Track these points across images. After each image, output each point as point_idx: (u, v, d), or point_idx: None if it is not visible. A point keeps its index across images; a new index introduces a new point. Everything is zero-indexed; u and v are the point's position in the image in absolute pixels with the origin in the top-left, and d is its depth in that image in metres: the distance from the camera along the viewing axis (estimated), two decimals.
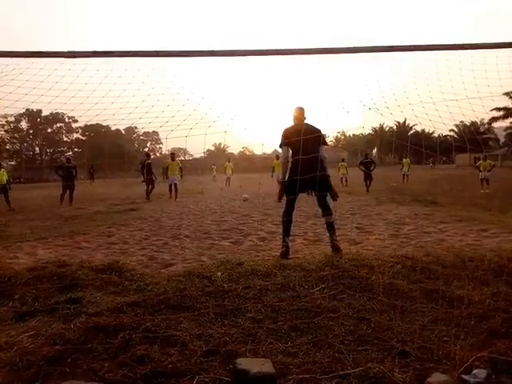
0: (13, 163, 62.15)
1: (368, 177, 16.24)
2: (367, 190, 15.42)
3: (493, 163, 16.36)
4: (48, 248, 5.43)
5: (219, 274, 3.73)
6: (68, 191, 13.14)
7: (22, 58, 4.47)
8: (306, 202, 11.22)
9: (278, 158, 15.83)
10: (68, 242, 5.96)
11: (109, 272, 3.91)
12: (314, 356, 2.45)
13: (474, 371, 2.21)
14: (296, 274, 3.80)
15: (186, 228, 7.26)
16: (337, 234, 4.89)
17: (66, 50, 4.46)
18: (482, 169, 15.22)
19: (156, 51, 4.06)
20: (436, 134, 60.60)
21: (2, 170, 12.53)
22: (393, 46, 4.36)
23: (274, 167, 16.90)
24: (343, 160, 21.13)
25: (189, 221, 8.19)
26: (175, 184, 14.05)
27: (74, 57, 4.49)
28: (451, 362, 2.32)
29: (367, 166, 16.51)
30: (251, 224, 7.39)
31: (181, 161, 16.12)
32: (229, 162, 22.88)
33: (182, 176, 14.81)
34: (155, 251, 5.10)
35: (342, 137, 77.10)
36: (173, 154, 15.30)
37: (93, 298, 3.25)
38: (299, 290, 3.43)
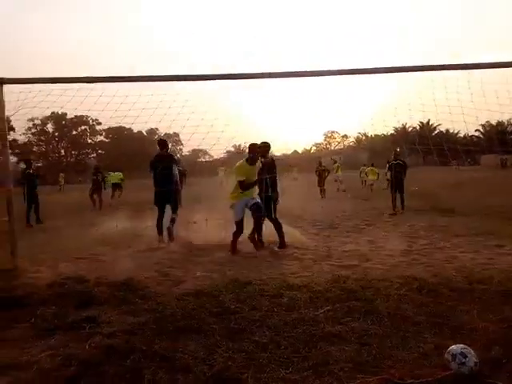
0: (39, 165, 64.21)
1: (397, 187, 11.01)
2: (394, 210, 10.78)
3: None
4: (68, 261, 5.70)
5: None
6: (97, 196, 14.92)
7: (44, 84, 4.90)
8: (324, 212, 11.20)
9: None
10: (88, 253, 6.22)
11: (123, 289, 4.10)
12: (312, 383, 2.55)
13: None
14: (302, 295, 3.89)
15: (198, 238, 7.28)
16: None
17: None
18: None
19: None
20: (461, 135, 59.43)
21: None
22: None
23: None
24: (372, 165, 20.29)
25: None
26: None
27: (93, 82, 4.85)
28: None
29: (396, 170, 11.11)
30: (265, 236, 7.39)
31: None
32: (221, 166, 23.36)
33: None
34: (168, 267, 5.27)
35: (364, 137, 76.14)
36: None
37: (107, 318, 3.44)
38: (304, 313, 3.52)
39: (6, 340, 3.16)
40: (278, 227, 6.41)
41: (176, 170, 7.16)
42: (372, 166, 19.88)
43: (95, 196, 15.09)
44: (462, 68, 4.84)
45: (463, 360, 2.50)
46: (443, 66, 4.72)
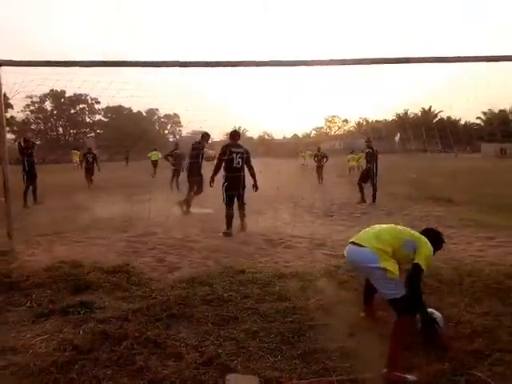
0: (38, 143, 63.62)
1: (365, 177, 10.71)
2: (362, 200, 10.33)
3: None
4: (64, 244, 5.75)
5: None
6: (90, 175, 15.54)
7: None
8: (321, 200, 11.16)
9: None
10: (84, 237, 6.27)
11: (118, 275, 4.16)
12: (300, 371, 2.63)
13: None
14: (293, 284, 3.96)
15: (196, 225, 7.38)
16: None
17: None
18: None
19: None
20: (462, 122, 59.09)
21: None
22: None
23: None
24: (352, 152, 21.20)
25: (201, 215, 8.36)
26: None
27: (89, 66, 4.84)
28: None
29: (366, 160, 11.00)
30: (262, 222, 7.44)
31: None
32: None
33: None
34: (164, 252, 5.32)
35: (364, 122, 75.65)
36: None
37: (101, 303, 3.50)
38: (295, 302, 3.59)
39: (2, 323, 3.23)
40: (244, 214, 6.85)
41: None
42: (352, 153, 21.07)
43: (89, 176, 15.63)
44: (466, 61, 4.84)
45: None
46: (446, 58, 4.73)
